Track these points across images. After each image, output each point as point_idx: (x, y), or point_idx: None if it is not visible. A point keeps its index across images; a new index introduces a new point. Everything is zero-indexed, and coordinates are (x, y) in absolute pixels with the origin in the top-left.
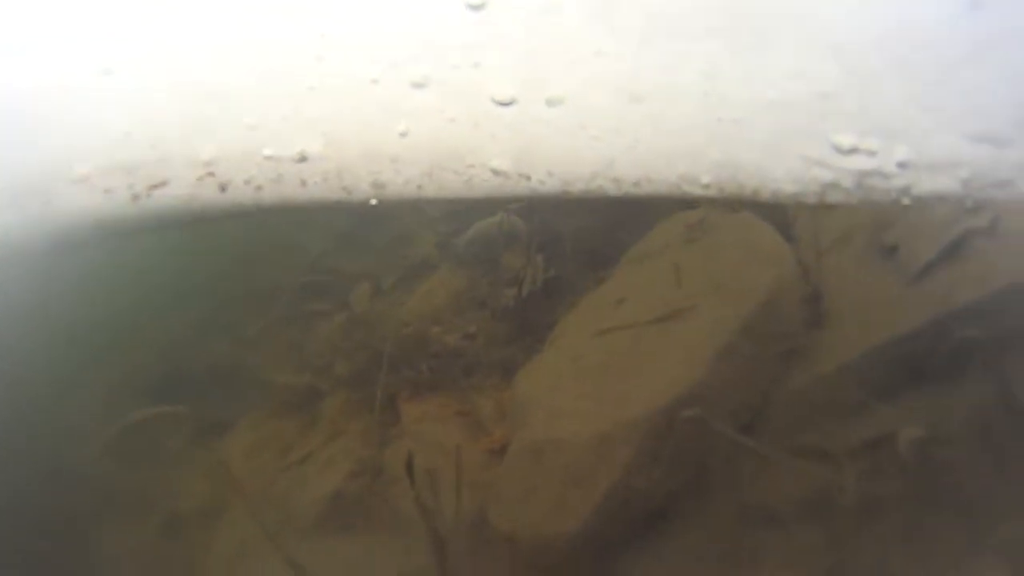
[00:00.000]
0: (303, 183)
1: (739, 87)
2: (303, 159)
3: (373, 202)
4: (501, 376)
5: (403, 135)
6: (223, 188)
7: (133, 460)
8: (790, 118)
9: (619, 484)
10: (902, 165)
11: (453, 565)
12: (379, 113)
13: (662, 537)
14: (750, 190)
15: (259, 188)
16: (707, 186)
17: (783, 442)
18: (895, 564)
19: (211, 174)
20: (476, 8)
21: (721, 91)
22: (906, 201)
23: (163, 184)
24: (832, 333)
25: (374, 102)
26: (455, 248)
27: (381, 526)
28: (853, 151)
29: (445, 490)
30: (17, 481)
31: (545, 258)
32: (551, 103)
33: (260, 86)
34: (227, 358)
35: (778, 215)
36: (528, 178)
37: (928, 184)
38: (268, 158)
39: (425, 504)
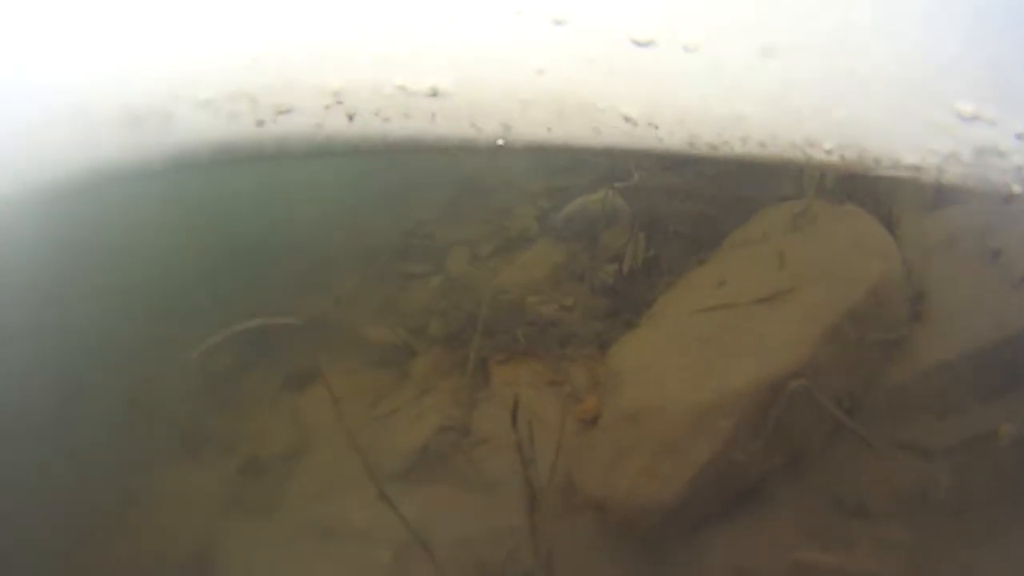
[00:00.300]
0: (432, 117)
1: (872, 38)
2: (434, 94)
3: (500, 142)
4: (596, 348)
5: (539, 73)
6: (351, 118)
7: (216, 402)
8: (918, 76)
9: (717, 456)
10: (1020, 137)
11: (542, 525)
12: (517, 49)
13: (751, 517)
14: (872, 158)
15: (387, 120)
16: (829, 152)
17: (880, 434)
18: (984, 565)
19: (339, 103)
20: None
21: (855, 43)
22: (1017, 189)
23: (289, 111)
24: (933, 331)
25: (513, 37)
26: (555, 222)
27: (467, 483)
28: (974, 119)
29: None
30: (98, 411)
31: (646, 238)
32: (688, 49)
33: (396, 15)
34: (320, 309)
35: (882, 212)
36: (656, 127)
37: None
38: (399, 89)
39: (525, 453)
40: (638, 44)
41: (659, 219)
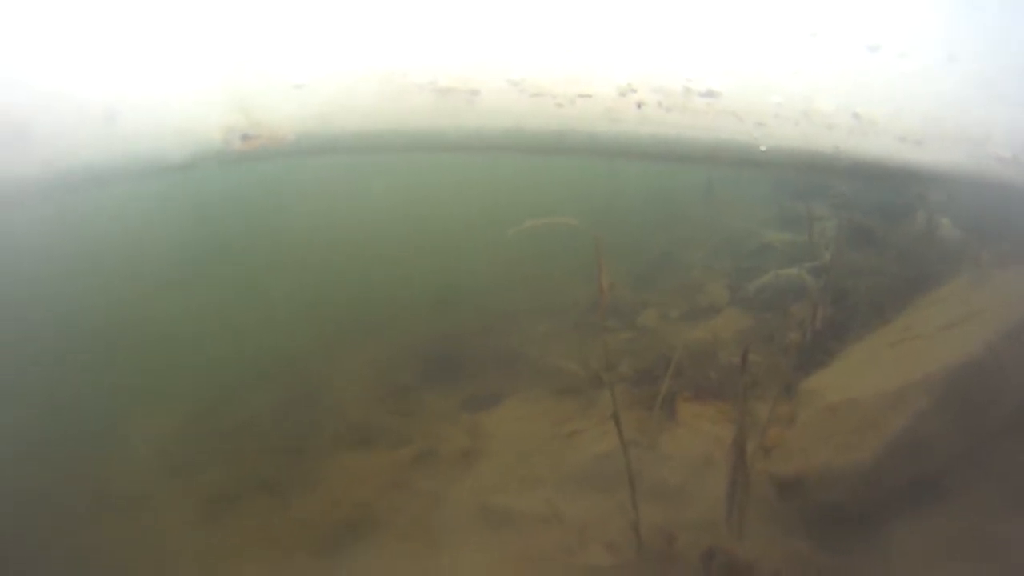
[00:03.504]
0: (703, 114)
1: None
2: (710, 94)
3: (763, 148)
4: (781, 392)
5: (795, 73)
6: (639, 105)
7: (393, 408)
8: None
9: (910, 427)
10: None
11: (739, 510)
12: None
13: (938, 496)
14: None
15: (668, 110)
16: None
17: None
18: None
19: (633, 90)
20: None
21: None
22: None
23: (588, 96)
24: None
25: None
26: (744, 292)
27: (650, 490)
28: None
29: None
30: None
31: (833, 307)
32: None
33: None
34: (510, 347)
35: None
36: (875, 123)
37: None
38: (686, 89)
39: (743, 404)
40: (870, 49)
41: (847, 292)
